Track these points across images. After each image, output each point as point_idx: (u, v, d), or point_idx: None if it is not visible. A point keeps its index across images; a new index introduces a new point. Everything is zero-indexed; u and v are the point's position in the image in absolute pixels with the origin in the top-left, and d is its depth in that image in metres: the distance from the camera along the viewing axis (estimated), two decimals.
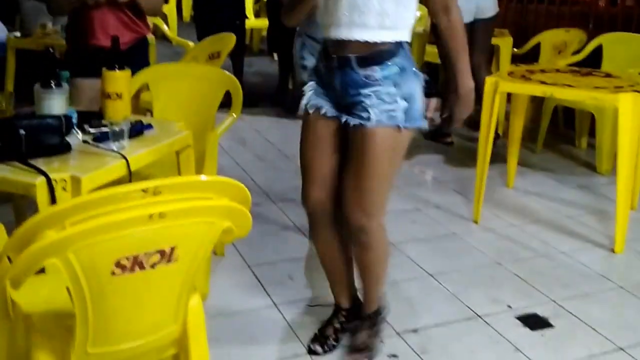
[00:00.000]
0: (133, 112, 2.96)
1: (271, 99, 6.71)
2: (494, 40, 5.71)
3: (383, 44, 2.40)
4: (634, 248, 3.86)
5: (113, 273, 1.66)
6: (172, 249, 1.73)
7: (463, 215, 4.28)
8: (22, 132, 2.30)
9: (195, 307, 1.99)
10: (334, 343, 2.85)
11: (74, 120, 2.64)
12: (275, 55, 7.36)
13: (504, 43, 5.93)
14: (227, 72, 3.55)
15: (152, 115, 3.63)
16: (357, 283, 2.85)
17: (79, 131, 2.61)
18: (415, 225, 4.16)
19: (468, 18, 5.25)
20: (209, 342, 2.05)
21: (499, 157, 4.71)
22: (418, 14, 6.24)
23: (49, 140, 2.37)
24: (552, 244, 3.91)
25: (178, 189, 1.74)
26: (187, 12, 10.70)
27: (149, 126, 2.80)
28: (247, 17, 7.01)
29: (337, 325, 2.89)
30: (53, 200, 2.14)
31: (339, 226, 2.69)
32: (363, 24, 2.38)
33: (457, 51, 2.56)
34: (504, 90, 4.10)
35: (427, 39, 5.95)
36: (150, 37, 4.78)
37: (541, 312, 3.17)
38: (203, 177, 1.83)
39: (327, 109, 2.55)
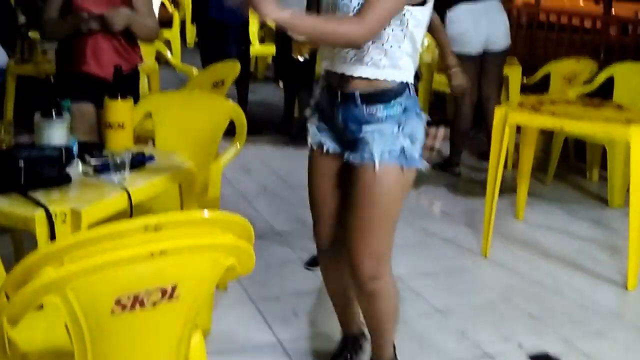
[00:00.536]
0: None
1: (276, 127, 6.73)
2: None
3: (387, 82, 2.40)
4: None
5: (113, 311, 1.65)
6: (174, 287, 1.72)
7: (472, 248, 4.26)
8: (21, 163, 2.30)
9: (197, 345, 1.98)
10: None
11: (75, 151, 2.65)
12: (281, 83, 7.38)
13: (513, 72, 5.94)
14: (231, 102, 3.57)
15: (154, 144, 3.65)
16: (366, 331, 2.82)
17: (79, 162, 2.61)
18: (422, 258, 4.14)
19: (477, 49, 5.29)
20: None
21: (508, 188, 4.71)
22: (426, 42, 6.31)
23: (48, 172, 2.39)
24: (563, 279, 3.89)
25: (180, 225, 1.74)
26: (191, 37, 10.76)
27: (151, 157, 2.81)
28: (251, 43, 7.03)
29: (348, 356, 2.89)
30: (52, 234, 2.14)
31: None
32: (367, 61, 2.37)
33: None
34: (514, 122, 4.11)
35: (435, 68, 5.97)
36: (150, 65, 4.82)
37: (552, 350, 3.14)
38: (206, 214, 1.82)
39: (330, 145, 2.57)
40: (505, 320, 3.41)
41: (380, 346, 2.74)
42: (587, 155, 5.58)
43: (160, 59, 6.25)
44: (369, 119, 2.42)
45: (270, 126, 6.79)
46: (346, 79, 2.42)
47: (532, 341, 3.21)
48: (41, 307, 1.92)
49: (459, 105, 5.48)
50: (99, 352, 1.72)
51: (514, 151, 5.50)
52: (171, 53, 6.54)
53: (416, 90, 2.62)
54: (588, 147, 5.54)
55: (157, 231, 1.66)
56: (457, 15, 5.23)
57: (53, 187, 2.38)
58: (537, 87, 5.89)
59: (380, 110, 2.41)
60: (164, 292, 1.71)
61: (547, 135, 5.44)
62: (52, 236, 2.15)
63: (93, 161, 2.64)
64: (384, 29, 2.31)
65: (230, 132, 3.47)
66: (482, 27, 5.27)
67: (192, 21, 8.82)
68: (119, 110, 2.83)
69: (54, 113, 2.60)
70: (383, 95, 2.41)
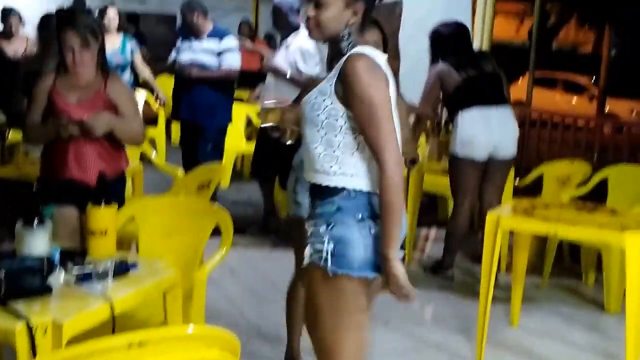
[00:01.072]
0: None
1: (259, 226, 6.76)
2: None
3: (325, 186, 2.48)
4: None
5: None
6: None
7: (465, 356, 4.26)
8: (2, 274, 2.34)
9: None
10: None
11: (56, 260, 2.69)
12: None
13: None
14: (216, 205, 3.63)
15: (137, 247, 3.69)
16: None
17: (61, 271, 2.65)
18: None
19: (483, 156, 5.38)
20: None
21: (503, 292, 4.74)
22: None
23: (30, 283, 2.43)
24: None
25: (164, 341, 1.77)
26: (176, 136, 10.86)
27: (134, 265, 2.86)
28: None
29: None
30: (33, 348, 2.16)
31: None
32: (318, 168, 2.49)
33: (386, 215, 2.41)
34: (506, 227, 4.19)
35: (424, 169, 6.06)
36: (134, 166, 4.89)
37: None
38: (190, 329, 1.87)
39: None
40: None
41: None
42: (582, 259, 5.64)
43: (144, 158, 6.33)
44: (311, 214, 2.55)
45: (256, 226, 6.82)
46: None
47: None
48: None
49: (456, 207, 5.54)
50: None
51: (507, 253, 5.56)
52: (156, 152, 6.64)
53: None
54: (583, 250, 5.59)
55: (141, 348, 1.70)
56: (468, 118, 5.30)
57: (34, 297, 2.41)
58: (529, 189, 6.00)
59: (317, 207, 2.51)
60: None
61: (541, 238, 5.49)
62: (33, 349, 2.17)
63: (75, 270, 2.67)
64: (335, 136, 2.45)
65: (215, 230, 3.53)
66: (492, 134, 5.32)
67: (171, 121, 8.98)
68: (102, 217, 2.88)
69: (35, 222, 2.65)
70: (320, 192, 2.50)
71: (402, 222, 2.43)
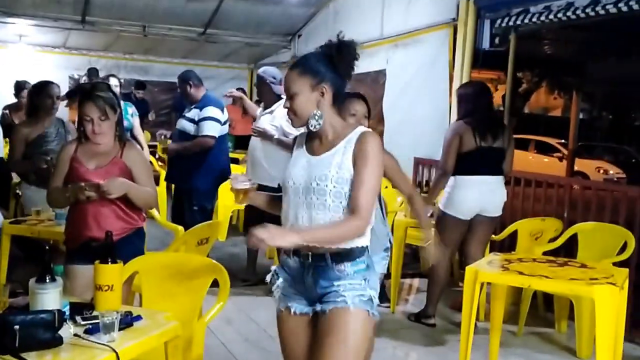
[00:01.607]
0: (124, 295, 3.05)
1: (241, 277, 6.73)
2: None
3: (345, 247, 2.69)
4: None
5: None
6: None
7: None
8: (16, 327, 2.36)
9: None
10: None
11: (67, 313, 2.71)
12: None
13: None
14: (214, 262, 3.65)
15: (141, 299, 3.71)
16: None
17: (71, 324, 2.67)
18: None
19: (469, 215, 5.44)
20: None
21: (481, 339, 4.75)
22: (400, 199, 6.47)
23: (42, 335, 2.44)
24: None
25: None
26: None
27: (138, 317, 2.88)
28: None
29: None
30: None
31: None
32: None
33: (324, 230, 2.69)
34: (484, 280, 4.22)
35: (408, 223, 6.10)
36: None
37: None
38: None
39: (297, 307, 2.79)
40: None
41: None
42: (555, 308, 5.65)
43: (148, 215, 6.35)
44: (339, 275, 2.69)
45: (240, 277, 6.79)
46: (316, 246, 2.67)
47: None
48: None
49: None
50: None
51: (485, 302, 5.57)
52: (158, 209, 6.67)
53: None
54: (556, 300, 5.62)
55: None
56: (463, 182, 5.37)
57: (46, 349, 2.43)
58: (504, 243, 6.04)
59: (348, 267, 2.69)
60: None
61: (516, 289, 5.52)
62: None
63: (84, 323, 2.71)
64: (342, 202, 2.68)
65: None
66: (482, 199, 5.40)
67: None
68: (108, 273, 2.91)
69: (47, 278, 2.67)
70: (350, 254, 2.71)
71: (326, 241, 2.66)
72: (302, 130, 2.88)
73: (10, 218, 5.35)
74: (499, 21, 6.91)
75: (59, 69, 11.47)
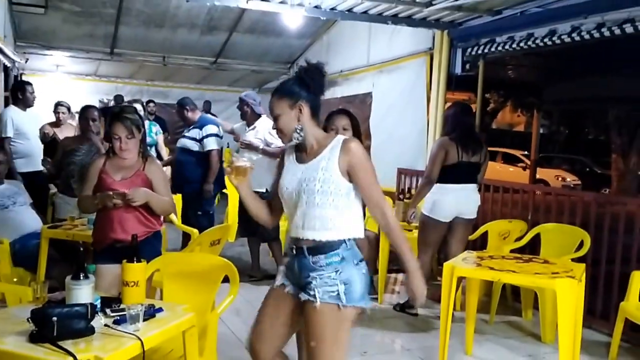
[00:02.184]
0: (146, 290, 3.04)
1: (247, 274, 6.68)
2: None
3: (328, 241, 2.71)
4: None
5: None
6: None
7: None
8: (54, 319, 2.35)
9: None
10: None
11: (98, 306, 2.70)
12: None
13: None
14: (225, 260, 3.64)
15: (161, 293, 3.69)
16: None
17: (101, 316, 2.66)
18: None
19: (448, 218, 5.44)
20: None
21: (458, 326, 4.74)
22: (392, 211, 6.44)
23: (76, 326, 2.43)
24: None
25: None
26: None
27: (160, 309, 2.87)
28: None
29: None
30: None
31: None
32: (311, 227, 2.73)
33: (398, 244, 2.76)
34: (460, 274, 4.21)
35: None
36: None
37: None
38: None
39: (290, 287, 2.84)
40: None
41: None
42: (522, 299, 5.64)
43: (166, 219, 6.34)
44: (314, 266, 2.71)
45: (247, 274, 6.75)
46: (298, 239, 2.77)
47: None
48: None
49: (419, 256, 5.55)
50: None
51: (461, 294, 5.55)
52: (176, 215, 6.65)
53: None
54: (522, 292, 5.61)
55: None
56: (443, 190, 5.36)
57: (80, 337, 2.42)
58: (477, 242, 6.03)
59: (322, 259, 2.70)
60: None
61: (488, 282, 5.51)
62: None
63: (113, 314, 2.70)
64: (340, 200, 2.71)
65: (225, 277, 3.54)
66: (459, 203, 5.40)
67: None
68: (134, 271, 2.90)
69: (81, 276, 2.67)
70: (323, 247, 2.73)
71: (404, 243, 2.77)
72: (286, 141, 2.89)
73: (48, 224, 5.32)
74: (469, 50, 6.95)
75: (91, 94, 11.50)
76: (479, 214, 5.65)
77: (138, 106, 7.50)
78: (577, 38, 5.45)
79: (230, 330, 5.01)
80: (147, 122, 7.76)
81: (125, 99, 10.87)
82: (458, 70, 7.18)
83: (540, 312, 5.12)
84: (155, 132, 8.21)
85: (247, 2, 6.54)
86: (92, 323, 2.50)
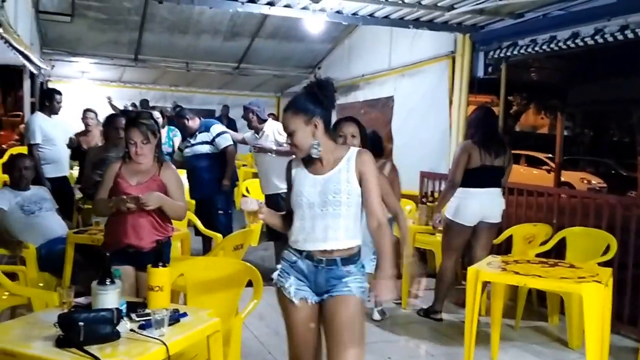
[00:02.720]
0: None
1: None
2: None
3: (352, 248, 2.91)
4: None
5: None
6: None
7: None
8: (80, 323, 2.36)
9: None
10: None
11: (124, 311, 2.71)
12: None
13: None
14: (249, 264, 3.64)
15: (185, 297, 3.70)
16: None
17: (127, 320, 2.67)
18: None
19: (472, 222, 5.40)
20: None
21: (483, 332, 4.69)
22: (409, 207, 6.43)
23: (102, 330, 2.45)
24: None
25: None
26: None
27: (185, 314, 2.87)
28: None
29: None
30: None
31: None
32: (336, 237, 2.86)
33: (385, 249, 2.89)
34: (484, 279, 4.17)
35: (417, 229, 6.07)
36: (183, 232, 4.97)
37: None
38: None
39: (311, 298, 2.93)
40: None
41: None
42: (548, 304, 5.58)
43: (190, 224, 6.37)
44: (347, 273, 2.89)
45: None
46: (327, 250, 2.86)
47: None
48: None
49: (444, 261, 5.52)
50: None
51: (486, 298, 5.50)
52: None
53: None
54: (548, 296, 5.54)
55: None
56: (467, 194, 5.31)
57: (106, 342, 2.42)
58: (502, 246, 5.98)
59: (352, 267, 2.91)
60: None
61: (513, 287, 5.44)
62: None
63: (138, 319, 2.71)
64: (357, 210, 2.89)
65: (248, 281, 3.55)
66: (483, 208, 5.35)
67: None
68: (159, 276, 2.90)
69: (107, 282, 2.68)
70: (353, 256, 2.92)
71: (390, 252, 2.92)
72: (302, 155, 2.96)
73: (74, 229, 5.37)
74: (491, 53, 6.93)
75: (115, 100, 11.62)
76: (504, 218, 5.59)
77: (156, 113, 7.56)
78: (601, 40, 5.40)
79: (254, 335, 5.01)
80: (164, 130, 7.88)
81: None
82: (480, 73, 7.15)
83: (567, 318, 5.05)
84: (173, 139, 8.27)
85: (269, 8, 6.56)
86: (117, 328, 2.51)
